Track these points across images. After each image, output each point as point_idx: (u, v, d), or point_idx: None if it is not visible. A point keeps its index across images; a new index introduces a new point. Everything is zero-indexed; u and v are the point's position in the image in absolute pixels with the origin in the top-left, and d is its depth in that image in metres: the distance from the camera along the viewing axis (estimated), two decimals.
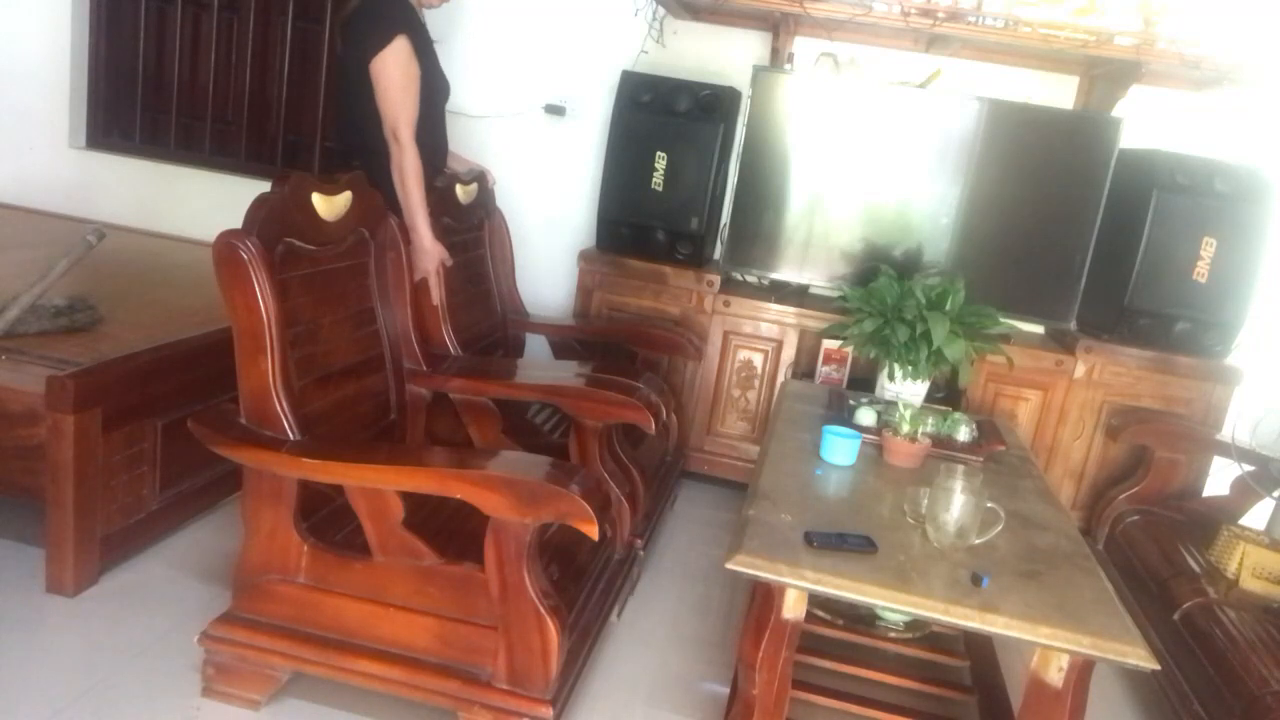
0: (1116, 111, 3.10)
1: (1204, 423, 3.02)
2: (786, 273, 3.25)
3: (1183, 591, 2.30)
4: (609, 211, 3.21)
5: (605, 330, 3.11)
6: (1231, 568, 2.34)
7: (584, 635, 1.98)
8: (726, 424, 3.28)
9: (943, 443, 2.28)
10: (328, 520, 1.90)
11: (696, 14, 3.38)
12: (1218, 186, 2.89)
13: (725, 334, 3.21)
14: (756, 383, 3.24)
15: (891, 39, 3.28)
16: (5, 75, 3.92)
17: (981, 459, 2.27)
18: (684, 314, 3.20)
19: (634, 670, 2.18)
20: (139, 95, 4.00)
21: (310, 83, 3.86)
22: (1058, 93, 3.30)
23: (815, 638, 2.18)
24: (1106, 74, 3.14)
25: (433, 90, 2.56)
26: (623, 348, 3.04)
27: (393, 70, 2.38)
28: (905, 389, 2.60)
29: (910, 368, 2.57)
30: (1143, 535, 2.73)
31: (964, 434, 2.35)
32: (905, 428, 2.16)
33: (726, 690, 2.10)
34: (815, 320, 3.13)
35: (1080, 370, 3.06)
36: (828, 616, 2.24)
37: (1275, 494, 2.53)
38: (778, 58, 3.31)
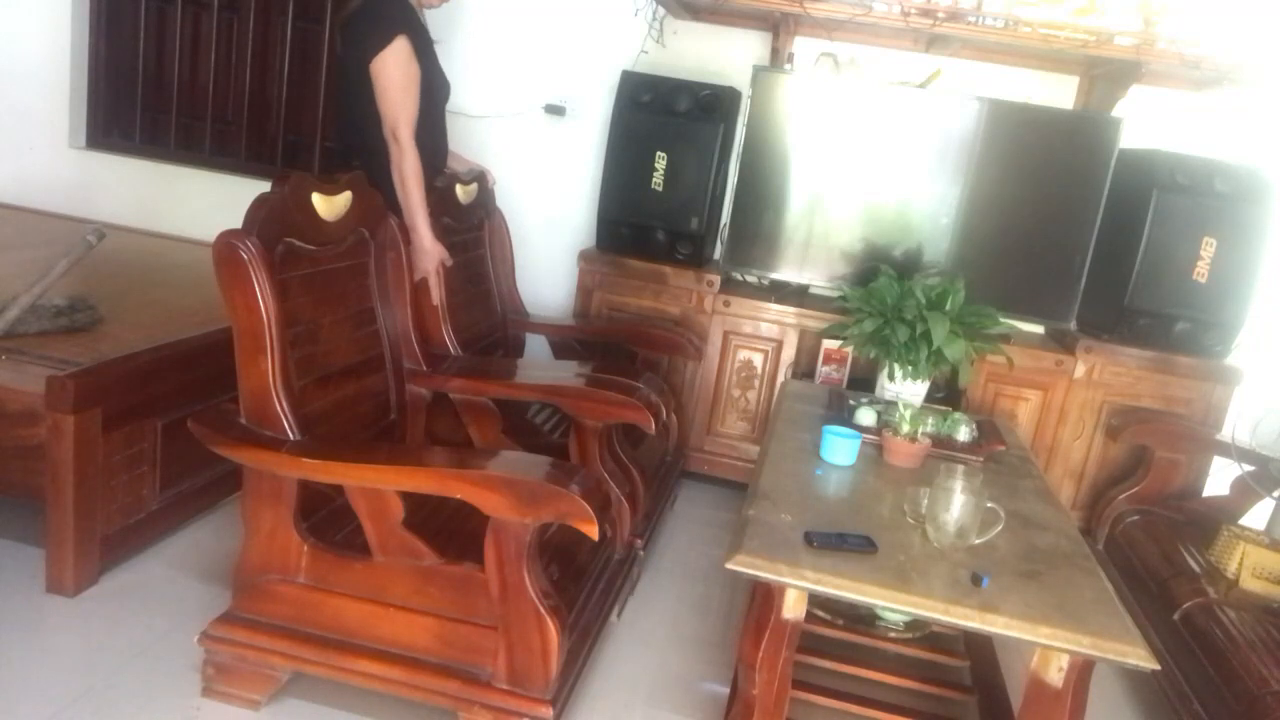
0: (1116, 111, 3.10)
1: (1204, 423, 3.02)
2: (786, 273, 3.25)
3: (1183, 591, 2.30)
4: (609, 211, 3.21)
5: (605, 330, 3.11)
6: (1231, 568, 2.34)
7: (584, 635, 1.98)
8: (726, 424, 3.28)
9: (943, 443, 2.28)
10: (328, 520, 1.90)
11: (696, 14, 3.38)
12: (1218, 186, 2.89)
13: (725, 334, 3.21)
14: (756, 383, 3.24)
15: (891, 39, 3.28)
16: (5, 75, 3.92)
17: (981, 459, 2.27)
18: (684, 314, 3.20)
19: (634, 670, 2.18)
20: (139, 95, 4.00)
21: (310, 83, 3.86)
22: (1058, 93, 3.30)
23: (815, 638, 2.18)
24: (1106, 74, 3.14)
25: (433, 90, 2.56)
26: (623, 348, 3.04)
27: (393, 70, 2.38)
28: (905, 389, 2.60)
29: (910, 368, 2.57)
30: (1143, 535, 2.73)
31: (964, 434, 2.35)
32: (905, 428, 2.16)
33: (726, 690, 2.11)
34: (815, 320, 3.13)
35: (1080, 370, 3.06)
36: (828, 616, 2.24)
37: (1275, 494, 2.53)
38: (778, 58, 3.31)
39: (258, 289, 1.68)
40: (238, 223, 1.72)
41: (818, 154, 3.15)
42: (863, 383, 2.98)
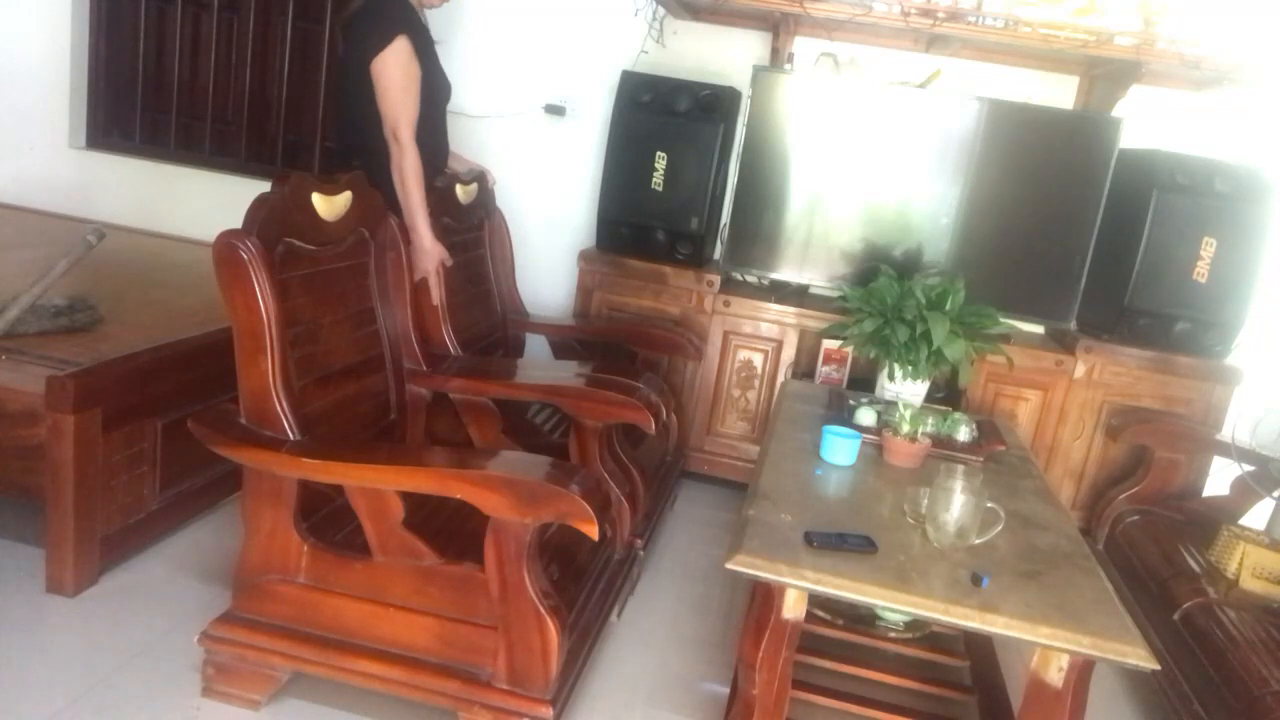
0: (1116, 111, 3.10)
1: (1204, 423, 3.02)
2: (786, 273, 3.25)
3: (1183, 591, 2.30)
4: (609, 211, 3.21)
5: (605, 330, 3.11)
6: (1231, 568, 2.34)
7: (584, 635, 1.98)
8: (726, 424, 3.28)
9: (943, 443, 2.28)
10: (328, 520, 1.90)
11: (696, 14, 3.38)
12: (1218, 186, 2.89)
13: (725, 334, 3.21)
14: (756, 383, 3.24)
15: (891, 39, 3.28)
16: (5, 75, 3.92)
17: (981, 459, 2.27)
18: (684, 314, 3.20)
19: (634, 670, 2.18)
20: (139, 95, 4.00)
21: (310, 83, 3.86)
22: (1058, 93, 3.30)
23: (815, 638, 2.18)
24: (1106, 74, 3.15)
25: (434, 91, 2.56)
26: (623, 348, 3.04)
27: (393, 70, 2.38)
28: (905, 389, 2.60)
29: (910, 368, 2.57)
30: (1143, 535, 2.73)
31: (964, 434, 2.35)
32: (905, 428, 2.16)
33: (726, 690, 2.10)
34: (815, 320, 3.13)
35: (1080, 370, 3.06)
36: (828, 616, 2.24)
37: (1275, 494, 2.53)
38: (778, 58, 3.31)
39: (258, 289, 1.68)
40: (238, 223, 1.72)
41: (818, 154, 3.15)
42: (863, 383, 2.98)
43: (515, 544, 1.64)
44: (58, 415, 2.00)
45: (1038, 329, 3.30)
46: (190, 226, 3.66)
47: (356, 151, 2.49)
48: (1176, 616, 2.25)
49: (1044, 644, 1.52)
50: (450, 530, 1.89)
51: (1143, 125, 3.13)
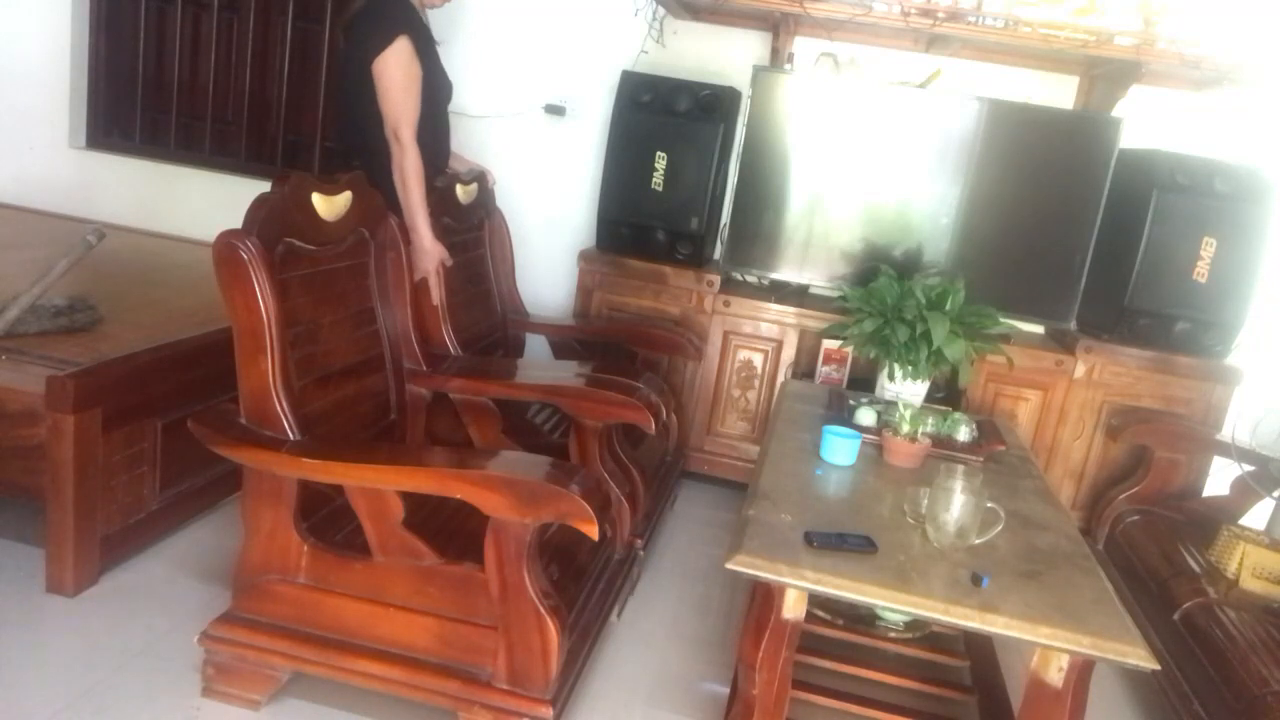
0: (1116, 111, 3.10)
1: (1204, 423, 3.02)
2: (786, 273, 3.25)
3: (1183, 591, 2.30)
4: (609, 211, 3.21)
5: (605, 330, 3.11)
6: (1231, 568, 2.34)
7: (584, 635, 1.98)
8: (726, 424, 3.28)
9: (943, 443, 2.28)
10: (328, 520, 1.90)
11: (696, 14, 3.38)
12: (1218, 186, 2.89)
13: (725, 334, 3.21)
14: (756, 383, 3.24)
15: (891, 39, 3.28)
16: (5, 75, 3.92)
17: (981, 459, 2.27)
18: (684, 314, 3.20)
19: (634, 670, 2.18)
20: (139, 95, 4.00)
21: (310, 83, 3.86)
22: (1058, 93, 3.30)
23: (815, 638, 2.18)
24: (1106, 74, 3.15)
25: (435, 91, 2.56)
26: (623, 348, 3.04)
27: (394, 70, 2.38)
28: (905, 389, 2.60)
29: (910, 368, 2.57)
30: (1143, 535, 2.73)
31: (964, 434, 2.35)
32: (905, 428, 2.16)
33: (726, 690, 2.11)
34: (815, 320, 3.13)
35: (1080, 370, 3.06)
36: (828, 616, 2.24)
37: (1275, 494, 2.53)
38: (778, 58, 3.31)
39: (258, 289, 1.68)
40: (238, 223, 1.72)
41: (818, 154, 3.15)
42: (863, 383, 2.98)
43: (515, 544, 1.64)
44: (58, 415, 2.00)
45: (1038, 329, 3.30)
46: (190, 226, 3.67)
47: (357, 151, 2.50)
48: (1176, 616, 2.25)
49: (1044, 644, 1.52)
50: (450, 530, 1.89)
51: (1143, 125, 3.13)
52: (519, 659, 1.71)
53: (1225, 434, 2.83)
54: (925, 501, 1.77)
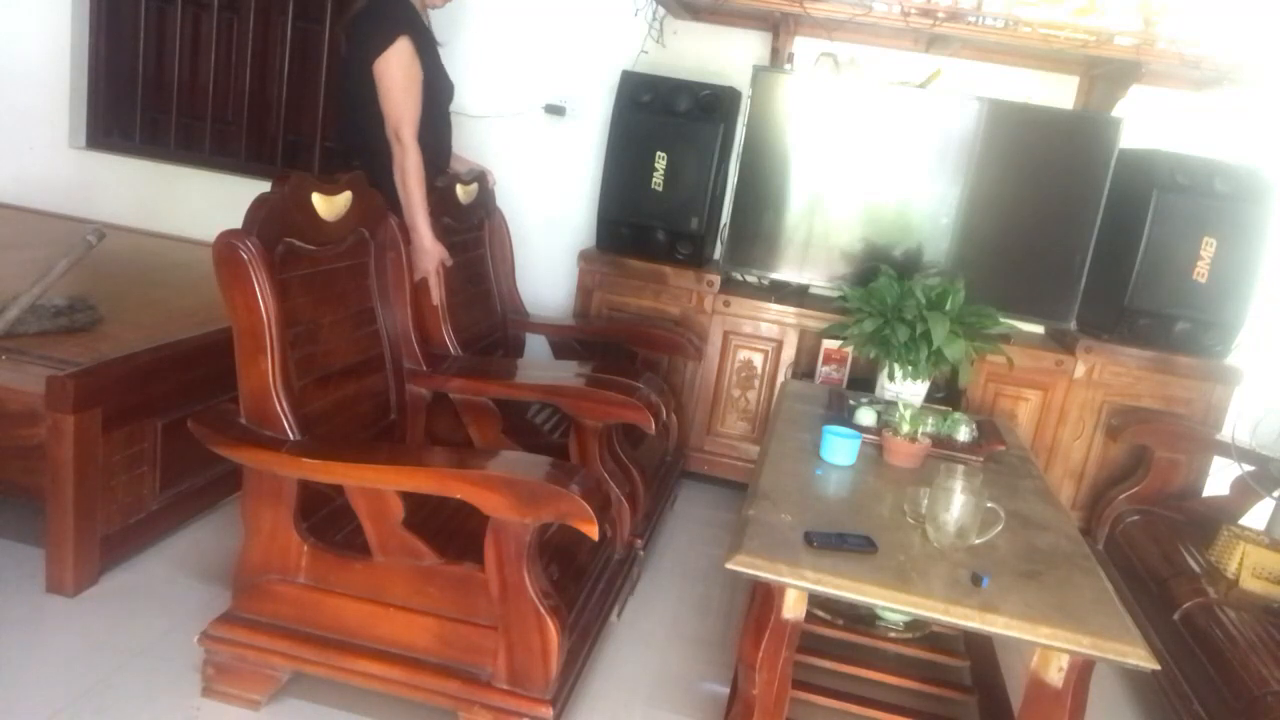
0: (1116, 111, 3.10)
1: (1204, 423, 3.02)
2: (786, 273, 3.25)
3: (1183, 591, 2.30)
4: (609, 211, 3.21)
5: (605, 330, 3.11)
6: (1231, 568, 2.34)
7: (584, 635, 1.98)
8: (726, 424, 3.28)
9: (943, 443, 2.28)
10: (328, 520, 1.90)
11: (696, 14, 3.38)
12: (1218, 186, 2.89)
13: (725, 334, 3.21)
14: (756, 383, 3.24)
15: (891, 39, 3.28)
16: (5, 75, 3.92)
17: (981, 459, 2.27)
18: (684, 314, 3.20)
19: (634, 670, 2.18)
20: (139, 95, 4.00)
21: (310, 83, 3.86)
22: (1058, 93, 3.30)
23: (815, 638, 2.18)
24: (1106, 74, 3.15)
25: (436, 91, 2.57)
26: (623, 348, 3.04)
27: (395, 71, 2.38)
28: (905, 389, 2.60)
29: (910, 368, 2.57)
30: (1143, 535, 2.73)
31: (964, 434, 2.35)
32: (905, 428, 2.16)
33: (726, 690, 2.11)
34: (815, 320, 3.13)
35: (1080, 370, 3.06)
36: (828, 616, 2.24)
37: (1275, 494, 2.53)
38: (778, 58, 3.31)
39: (258, 289, 1.68)
40: (238, 223, 1.72)
41: (818, 154, 3.15)
42: (863, 383, 2.98)
43: (515, 544, 1.64)
44: (58, 415, 2.00)
45: (1038, 329, 3.30)
46: (190, 226, 3.66)
47: (358, 152, 2.50)
48: (1176, 616, 2.25)
49: (1044, 644, 1.52)
50: (450, 530, 1.89)
51: (1143, 125, 3.13)
52: (519, 659, 1.71)
53: (1225, 434, 2.83)
54: (925, 501, 1.77)
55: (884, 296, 2.67)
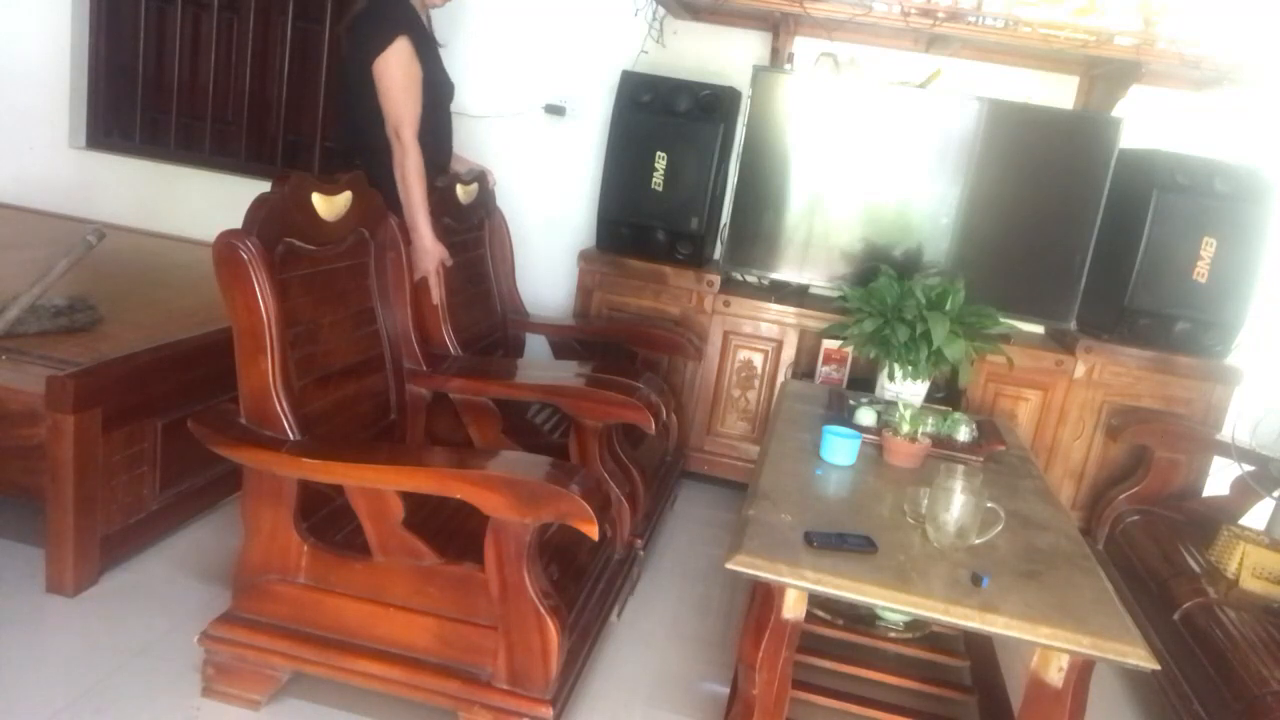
0: (1116, 111, 3.10)
1: (1204, 423, 3.02)
2: (786, 273, 3.25)
3: (1183, 591, 2.30)
4: (609, 211, 3.21)
5: (605, 330, 3.11)
6: (1231, 568, 2.34)
7: (584, 635, 1.98)
8: (726, 424, 3.28)
9: (943, 443, 2.28)
10: (328, 520, 1.90)
11: (696, 14, 3.38)
12: (1218, 186, 2.89)
13: (725, 334, 3.21)
14: (756, 383, 3.24)
15: (891, 39, 3.28)
16: (5, 75, 3.92)
17: (981, 459, 2.27)
18: (684, 314, 3.20)
19: (634, 670, 2.18)
20: (139, 95, 4.00)
21: (310, 83, 3.86)
22: (1058, 93, 3.30)
23: (815, 638, 2.18)
24: (1106, 74, 3.15)
25: (436, 91, 2.57)
26: (623, 348, 3.04)
27: (394, 71, 2.38)
28: (905, 389, 2.60)
29: (910, 368, 2.57)
30: (1143, 535, 2.73)
31: (964, 434, 2.35)
32: (905, 428, 2.16)
33: (726, 690, 2.11)
34: (815, 320, 3.13)
35: (1080, 370, 3.06)
36: (828, 616, 2.24)
37: (1275, 494, 2.53)
38: (778, 58, 3.31)
39: (258, 289, 1.68)
40: (238, 223, 1.72)
41: (818, 154, 3.15)
42: (863, 383, 2.98)
43: (515, 544, 1.64)
44: (58, 415, 2.00)
45: (1038, 329, 3.30)
46: (190, 226, 3.66)
47: (358, 152, 2.50)
48: (1176, 616, 2.25)
49: (1044, 644, 1.52)
50: (450, 530, 1.89)
51: (1143, 125, 3.13)
52: (519, 659, 1.71)
53: (1225, 434, 2.83)
54: (925, 501, 1.77)
55: (884, 296, 2.67)
